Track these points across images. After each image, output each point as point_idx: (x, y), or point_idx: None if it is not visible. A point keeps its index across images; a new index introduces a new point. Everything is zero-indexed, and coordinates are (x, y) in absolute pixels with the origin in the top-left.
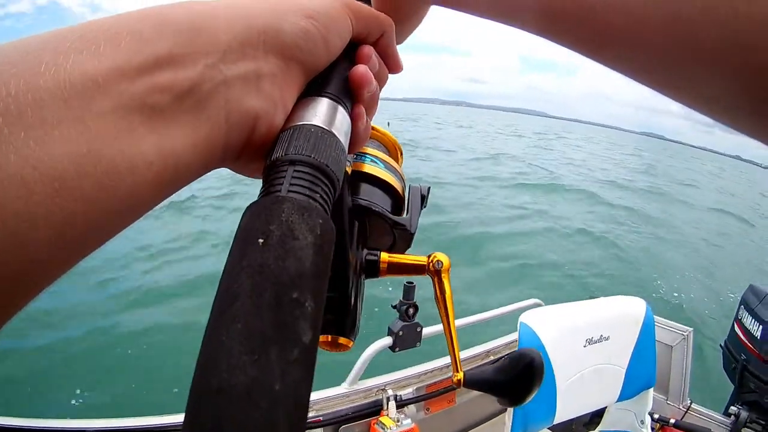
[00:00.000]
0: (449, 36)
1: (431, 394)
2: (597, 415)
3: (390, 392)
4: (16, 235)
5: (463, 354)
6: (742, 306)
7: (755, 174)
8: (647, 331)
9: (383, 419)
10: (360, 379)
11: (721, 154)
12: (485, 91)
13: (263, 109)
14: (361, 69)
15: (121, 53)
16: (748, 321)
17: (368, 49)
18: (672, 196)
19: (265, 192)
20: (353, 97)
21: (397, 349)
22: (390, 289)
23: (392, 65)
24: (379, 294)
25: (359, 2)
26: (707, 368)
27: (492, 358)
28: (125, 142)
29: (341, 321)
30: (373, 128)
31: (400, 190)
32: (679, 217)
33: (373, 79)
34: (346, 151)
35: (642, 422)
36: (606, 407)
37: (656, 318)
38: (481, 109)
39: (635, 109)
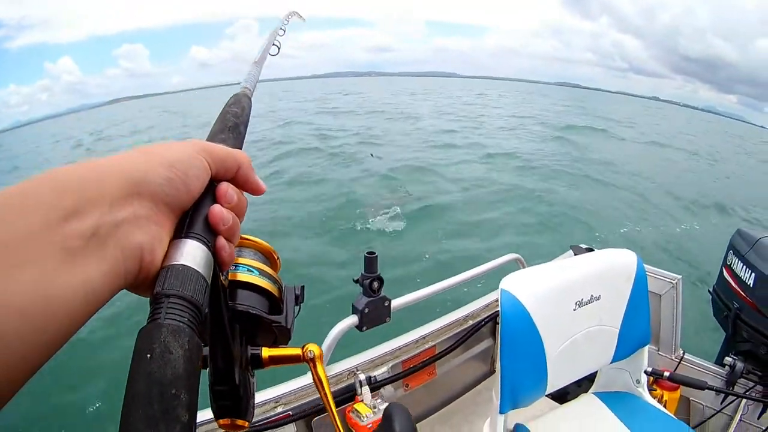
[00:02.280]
0: (352, 9)
1: (409, 371)
2: (589, 378)
3: (362, 375)
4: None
5: (443, 320)
6: (731, 251)
7: (678, 112)
8: (640, 285)
9: (357, 406)
10: (327, 365)
11: (640, 96)
12: (395, 59)
13: (146, 241)
14: (215, 210)
15: (39, 215)
16: (739, 267)
17: (224, 187)
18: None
19: (151, 319)
20: (214, 232)
21: (364, 328)
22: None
23: (253, 191)
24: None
25: (215, 144)
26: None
27: (471, 322)
28: (60, 278)
29: (235, 407)
30: (249, 239)
31: (275, 292)
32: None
33: (227, 216)
34: (208, 279)
35: (638, 381)
36: (598, 369)
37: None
38: (392, 76)
39: (545, 61)
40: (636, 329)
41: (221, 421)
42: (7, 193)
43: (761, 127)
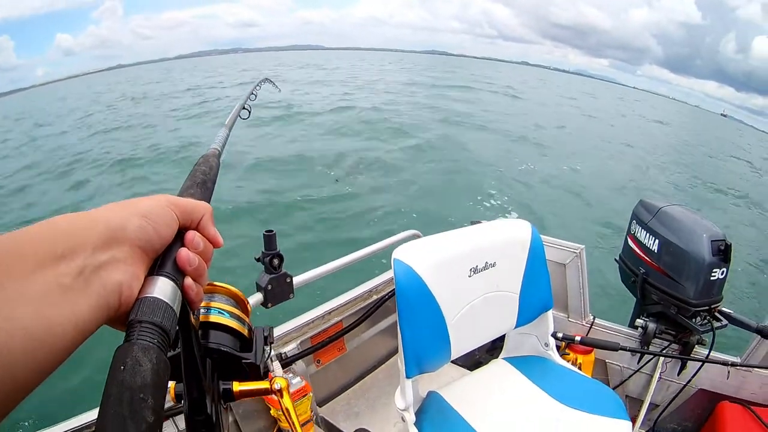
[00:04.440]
0: None
1: (318, 346)
2: (499, 342)
3: (271, 352)
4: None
5: (346, 295)
6: (634, 221)
7: (550, 75)
8: (536, 252)
9: (277, 380)
10: None
11: (508, 61)
12: (260, 34)
13: (125, 280)
14: (182, 253)
15: (36, 258)
16: (643, 235)
17: (191, 234)
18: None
19: (126, 339)
20: (182, 272)
21: (269, 304)
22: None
23: (212, 241)
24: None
25: (183, 199)
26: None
27: (375, 297)
28: (56, 309)
29: None
30: (222, 286)
31: (245, 332)
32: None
33: (193, 258)
34: (176, 310)
35: (546, 344)
36: (504, 334)
37: (544, 238)
38: (258, 52)
39: (413, 30)
40: (536, 294)
41: None
42: (6, 240)
43: (633, 87)
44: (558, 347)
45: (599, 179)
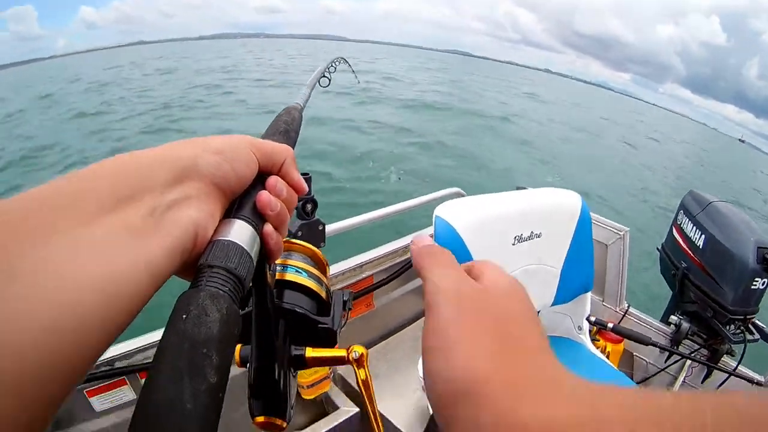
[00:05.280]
0: None
1: None
2: None
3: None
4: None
5: (380, 250)
6: (682, 211)
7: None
8: (584, 227)
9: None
10: None
11: (532, 68)
12: (283, 20)
13: (200, 218)
14: (263, 195)
15: (101, 201)
16: (689, 228)
17: (273, 179)
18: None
19: (192, 285)
20: (262, 218)
21: None
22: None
23: (296, 188)
24: None
25: (263, 141)
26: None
27: (408, 256)
28: (126, 256)
29: (274, 404)
30: (299, 243)
31: (323, 295)
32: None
33: (275, 202)
34: (254, 258)
35: (579, 328)
36: (539, 311)
37: (591, 215)
38: (280, 39)
39: (434, 27)
40: (579, 274)
41: (257, 419)
42: (66, 184)
43: (653, 104)
44: (589, 331)
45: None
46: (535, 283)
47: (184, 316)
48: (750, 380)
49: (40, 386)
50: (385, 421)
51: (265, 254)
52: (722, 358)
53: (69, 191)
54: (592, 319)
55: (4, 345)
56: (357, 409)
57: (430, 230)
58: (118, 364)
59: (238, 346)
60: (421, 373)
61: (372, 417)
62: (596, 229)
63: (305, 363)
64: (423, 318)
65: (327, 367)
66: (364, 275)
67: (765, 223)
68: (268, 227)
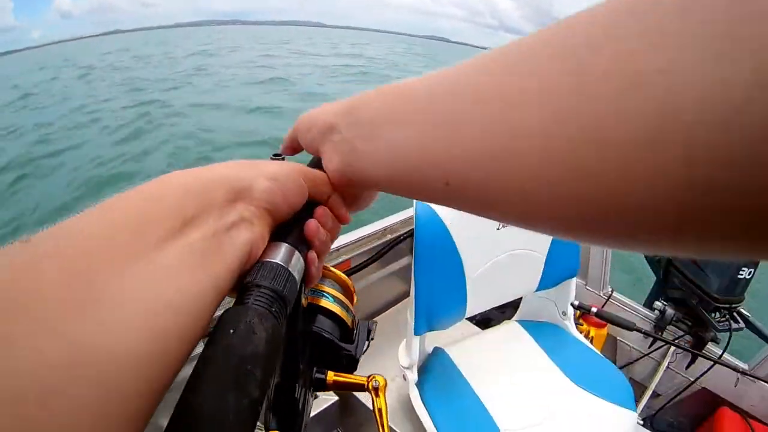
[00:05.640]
0: None
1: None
2: (513, 305)
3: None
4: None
5: (360, 231)
6: None
7: None
8: None
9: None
10: None
11: None
12: (259, 7)
13: (253, 239)
14: (312, 224)
15: (168, 223)
16: None
17: (322, 210)
18: None
19: (239, 302)
20: (308, 244)
21: None
22: None
23: (341, 220)
24: None
25: (314, 170)
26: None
27: (390, 236)
28: (195, 276)
29: (289, 421)
30: (331, 270)
31: (349, 322)
32: None
33: (323, 232)
34: (298, 283)
35: (564, 313)
36: (522, 297)
37: None
38: (256, 26)
39: (410, 12)
40: (564, 258)
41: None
42: (128, 206)
43: None
44: (573, 315)
45: None
46: (521, 267)
47: (232, 330)
48: (735, 368)
49: (126, 406)
50: (361, 405)
51: (306, 278)
52: (707, 346)
53: (137, 213)
54: (576, 303)
55: (92, 368)
56: (336, 398)
57: (411, 212)
58: None
59: None
60: (403, 362)
61: None
62: None
63: (326, 386)
64: (403, 301)
65: None
66: (341, 259)
67: None
68: (312, 254)
